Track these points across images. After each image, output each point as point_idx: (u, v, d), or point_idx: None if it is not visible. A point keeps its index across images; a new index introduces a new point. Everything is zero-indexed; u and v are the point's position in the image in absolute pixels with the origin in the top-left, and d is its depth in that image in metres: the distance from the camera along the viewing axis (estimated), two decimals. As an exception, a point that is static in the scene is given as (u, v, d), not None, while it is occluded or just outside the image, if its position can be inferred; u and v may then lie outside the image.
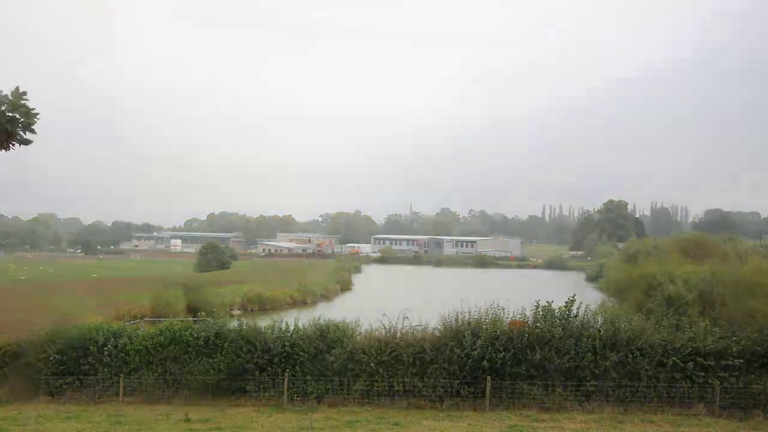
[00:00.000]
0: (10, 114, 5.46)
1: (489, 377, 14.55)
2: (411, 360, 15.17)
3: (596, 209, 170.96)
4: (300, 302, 51.98)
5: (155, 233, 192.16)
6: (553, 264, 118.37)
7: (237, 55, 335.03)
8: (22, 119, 5.50)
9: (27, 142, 5.63)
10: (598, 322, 15.46)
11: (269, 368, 15.48)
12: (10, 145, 5.60)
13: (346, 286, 68.74)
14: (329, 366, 15.29)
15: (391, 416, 13.83)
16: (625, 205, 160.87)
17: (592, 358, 14.66)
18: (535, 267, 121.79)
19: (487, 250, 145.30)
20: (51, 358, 15.92)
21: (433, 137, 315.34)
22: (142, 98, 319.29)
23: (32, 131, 5.62)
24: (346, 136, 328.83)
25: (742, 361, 14.34)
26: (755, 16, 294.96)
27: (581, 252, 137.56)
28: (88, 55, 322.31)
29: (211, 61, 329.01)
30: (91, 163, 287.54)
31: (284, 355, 15.45)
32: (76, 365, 16.02)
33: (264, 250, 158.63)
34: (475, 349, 14.81)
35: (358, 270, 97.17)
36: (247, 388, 15.43)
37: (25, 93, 5.50)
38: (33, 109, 5.60)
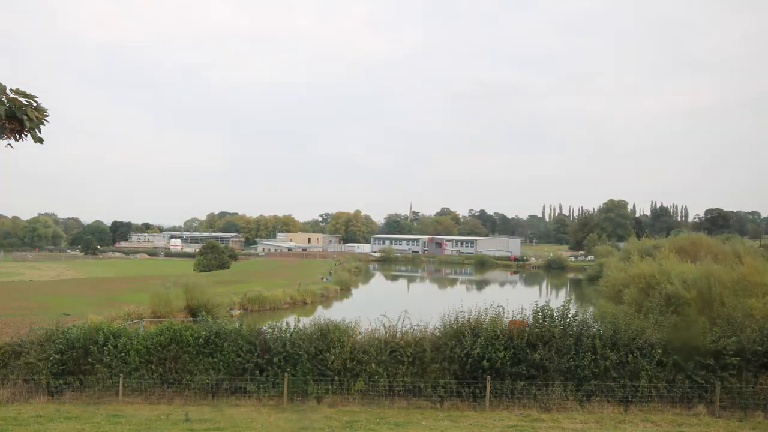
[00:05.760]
0: (25, 103, 5.49)
1: (489, 377, 14.56)
2: (411, 360, 15.18)
3: (596, 209, 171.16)
4: (300, 302, 51.97)
5: (155, 233, 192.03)
6: (553, 264, 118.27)
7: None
8: (35, 114, 5.53)
9: (40, 140, 5.66)
10: (597, 321, 15.47)
11: (269, 368, 15.48)
12: (22, 136, 5.61)
13: (346, 286, 68.69)
14: (329, 366, 15.30)
15: (391, 416, 13.82)
16: (625, 204, 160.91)
17: (592, 358, 14.67)
18: (535, 267, 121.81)
19: (487, 250, 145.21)
20: (51, 358, 15.91)
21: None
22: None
23: (43, 123, 5.64)
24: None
25: (741, 360, 14.35)
26: None
27: (581, 252, 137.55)
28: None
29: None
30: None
31: (284, 355, 15.45)
32: (76, 365, 16.02)
33: (264, 250, 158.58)
34: (475, 349, 14.81)
35: (359, 270, 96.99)
36: (247, 388, 15.43)
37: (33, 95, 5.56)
38: (45, 109, 5.64)
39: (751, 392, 14.13)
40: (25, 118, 5.47)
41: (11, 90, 5.50)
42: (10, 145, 5.61)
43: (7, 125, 5.47)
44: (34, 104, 5.59)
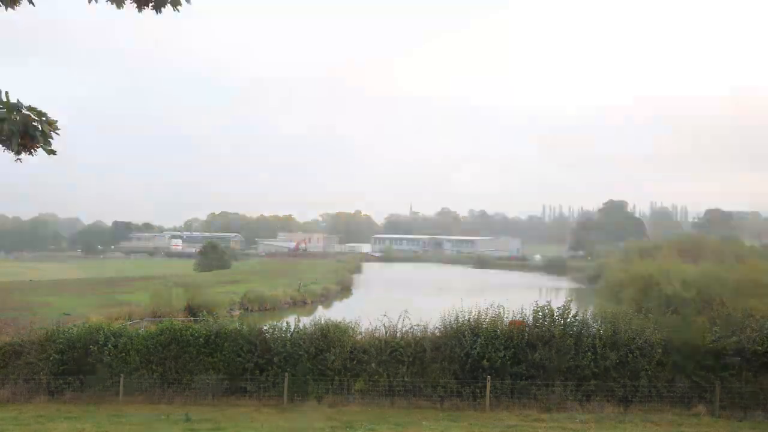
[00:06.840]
0: (36, 119, 5.54)
1: (489, 377, 14.57)
2: (411, 360, 15.19)
3: (596, 209, 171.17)
4: (300, 302, 52.01)
5: (155, 233, 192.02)
6: (553, 264, 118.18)
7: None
8: (47, 128, 5.58)
9: (52, 152, 5.71)
10: (597, 321, 15.48)
11: (269, 368, 15.49)
12: (34, 150, 5.68)
13: (346, 286, 68.73)
14: (329, 366, 15.30)
15: (391, 416, 13.83)
16: (625, 204, 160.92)
17: (592, 358, 14.67)
18: (534, 267, 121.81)
19: (487, 250, 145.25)
20: (51, 358, 15.93)
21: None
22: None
23: (54, 134, 5.67)
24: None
25: (741, 360, 14.36)
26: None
27: (581, 252, 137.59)
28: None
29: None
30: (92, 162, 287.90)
31: (284, 355, 15.46)
32: (76, 365, 16.03)
33: (264, 250, 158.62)
34: (475, 349, 14.82)
35: (358, 269, 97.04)
36: (248, 388, 15.45)
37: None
38: (55, 122, 5.68)
39: (751, 392, 14.13)
40: (37, 133, 5.53)
41: (26, 108, 5.56)
42: (19, 159, 5.68)
43: (20, 142, 5.55)
44: (45, 119, 5.64)
